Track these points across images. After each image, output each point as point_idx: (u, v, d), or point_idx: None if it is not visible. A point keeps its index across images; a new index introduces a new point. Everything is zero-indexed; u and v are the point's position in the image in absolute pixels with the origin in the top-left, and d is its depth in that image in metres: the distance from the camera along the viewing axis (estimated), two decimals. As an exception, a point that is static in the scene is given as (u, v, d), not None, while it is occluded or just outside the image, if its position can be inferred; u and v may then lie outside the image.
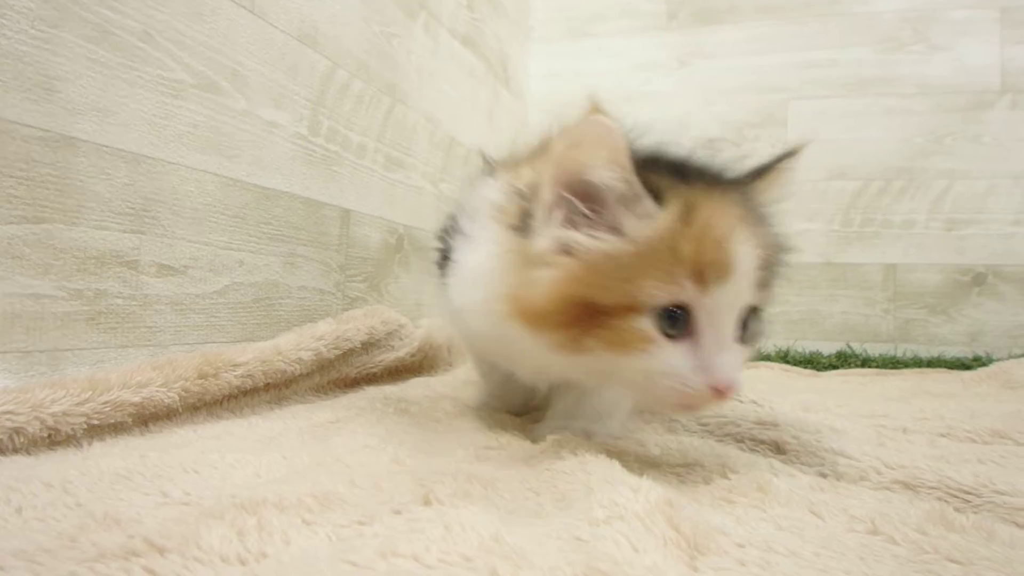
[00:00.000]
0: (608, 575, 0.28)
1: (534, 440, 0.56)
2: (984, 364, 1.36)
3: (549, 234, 0.45)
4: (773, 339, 1.66)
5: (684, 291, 0.43)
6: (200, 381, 0.64)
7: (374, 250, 1.07)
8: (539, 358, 0.48)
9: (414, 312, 1.14)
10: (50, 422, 0.52)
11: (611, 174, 0.44)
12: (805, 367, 1.48)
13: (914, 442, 0.67)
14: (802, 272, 1.67)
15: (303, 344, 0.80)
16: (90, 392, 0.55)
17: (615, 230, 0.44)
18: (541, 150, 0.54)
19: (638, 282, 0.43)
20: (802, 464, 0.54)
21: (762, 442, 0.60)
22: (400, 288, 1.13)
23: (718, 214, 0.44)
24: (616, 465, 0.45)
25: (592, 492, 0.39)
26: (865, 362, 1.52)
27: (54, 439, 0.53)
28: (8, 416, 0.50)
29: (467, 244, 0.53)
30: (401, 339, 0.97)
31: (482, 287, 0.50)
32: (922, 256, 1.59)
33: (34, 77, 0.56)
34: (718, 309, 0.43)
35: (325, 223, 0.95)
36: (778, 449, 0.58)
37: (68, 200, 0.59)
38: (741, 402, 0.76)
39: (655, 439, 0.59)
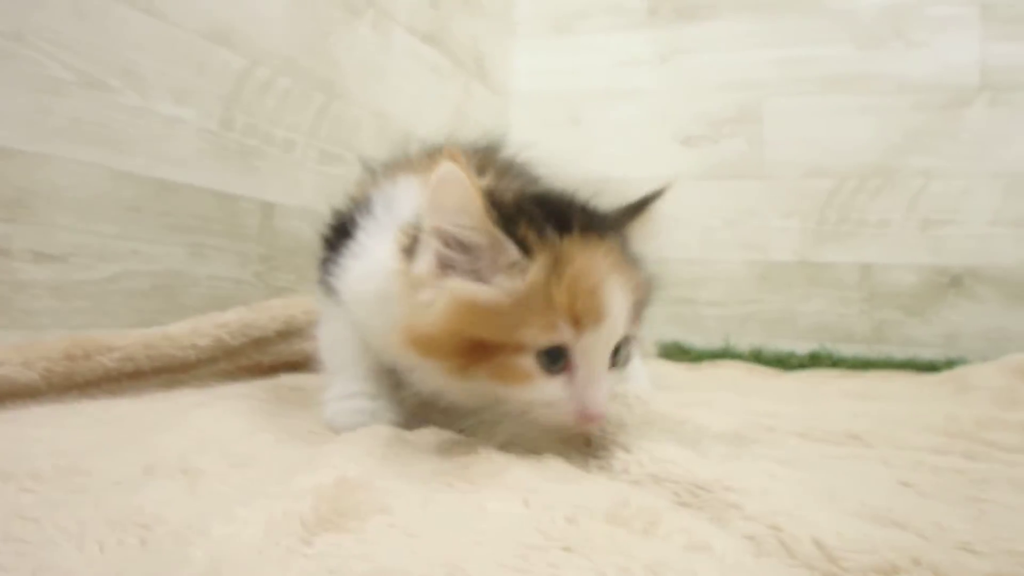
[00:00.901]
0: (190, 541, 0.30)
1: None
2: (954, 367, 1.31)
3: (424, 264, 0.49)
4: (748, 337, 1.63)
5: (562, 335, 0.47)
6: (66, 362, 0.67)
7: (306, 242, 1.10)
8: (432, 380, 0.52)
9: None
10: None
11: (464, 225, 0.47)
12: (776, 367, 1.45)
13: (758, 441, 0.66)
14: (777, 270, 1.63)
15: (200, 330, 0.82)
16: None
17: (488, 273, 0.48)
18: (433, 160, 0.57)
19: (519, 327, 0.47)
20: (591, 456, 0.54)
21: (577, 434, 0.61)
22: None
23: (588, 265, 0.48)
24: (367, 449, 0.47)
25: (298, 472, 0.41)
26: (836, 363, 1.48)
27: None
28: None
29: (364, 254, 0.56)
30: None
31: (379, 310, 0.53)
32: (898, 256, 1.54)
33: None
34: (592, 348, 0.48)
35: (241, 215, 0.99)
36: (586, 442, 0.59)
37: (-68, 191, 0.64)
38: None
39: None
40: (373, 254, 0.55)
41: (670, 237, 1.69)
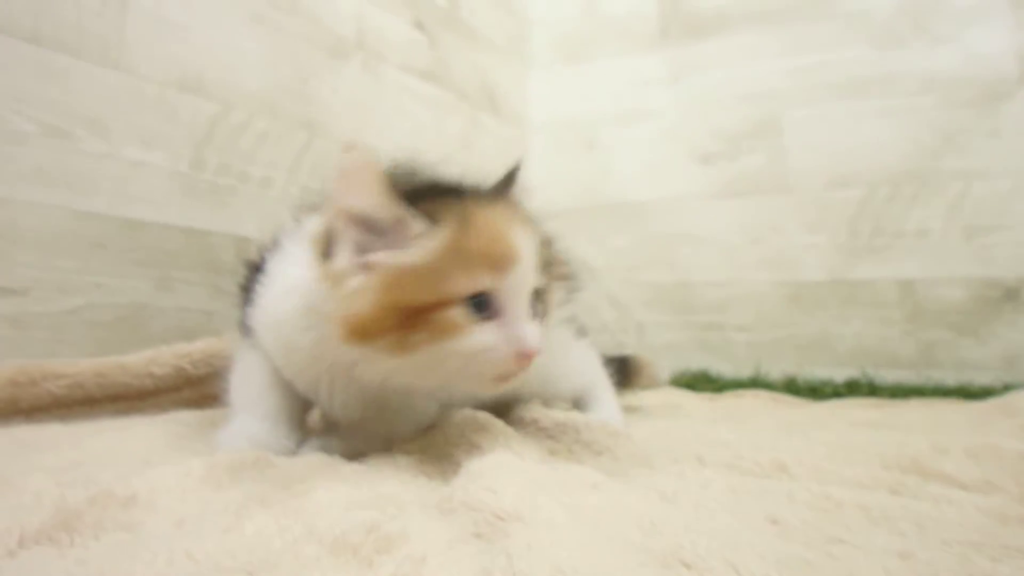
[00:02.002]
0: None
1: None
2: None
3: (345, 255, 0.53)
4: (781, 364, 1.52)
5: (484, 281, 0.52)
6: (10, 388, 0.72)
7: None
8: (378, 368, 0.55)
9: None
10: None
11: (372, 203, 0.51)
12: (809, 396, 1.34)
13: (662, 471, 0.62)
14: (809, 291, 1.52)
15: (158, 360, 0.86)
16: None
17: (403, 246, 0.52)
18: None
19: (444, 281, 0.51)
20: (436, 487, 0.52)
21: (455, 463, 0.58)
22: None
23: (493, 216, 0.54)
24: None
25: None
26: (875, 391, 1.34)
27: None
28: None
29: (276, 280, 0.61)
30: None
31: (303, 324, 0.57)
32: (942, 269, 1.39)
33: None
34: (513, 290, 0.53)
35: (214, 249, 1.04)
36: (456, 471, 0.56)
37: None
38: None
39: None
40: (287, 275, 0.59)
41: (691, 258, 1.62)
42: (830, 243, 1.49)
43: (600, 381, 0.93)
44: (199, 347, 0.90)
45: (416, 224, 0.52)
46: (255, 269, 0.64)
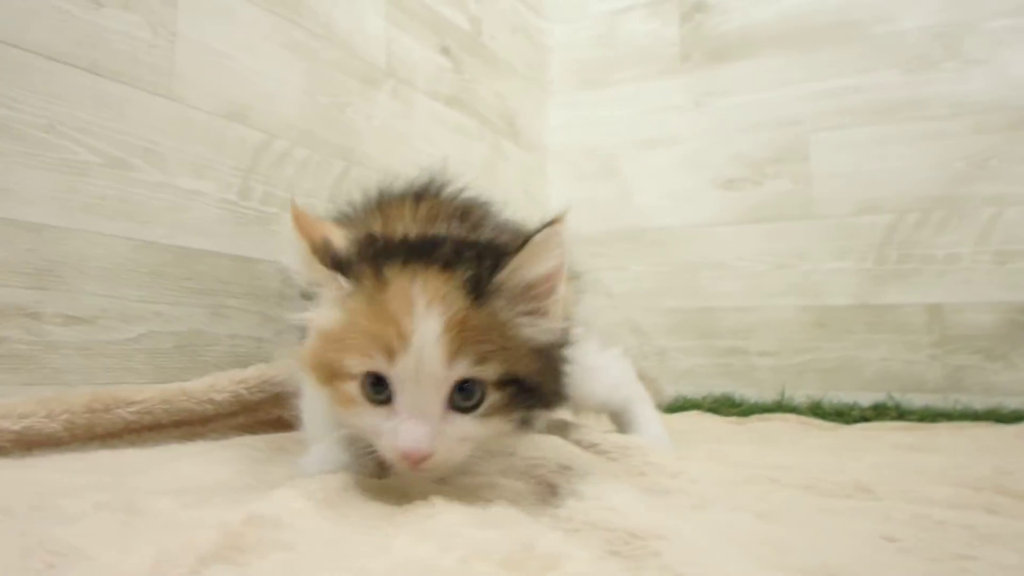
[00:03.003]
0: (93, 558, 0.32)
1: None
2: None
3: (316, 307, 0.54)
4: (805, 389, 1.53)
5: (376, 362, 0.48)
6: (87, 415, 0.72)
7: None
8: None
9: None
10: None
11: (302, 265, 0.52)
12: (835, 420, 1.35)
13: (746, 493, 0.64)
14: (834, 316, 1.53)
15: (217, 386, 0.87)
16: None
17: (325, 307, 0.52)
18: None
19: (345, 353, 0.49)
20: (545, 503, 0.54)
21: (547, 484, 0.59)
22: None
23: (402, 292, 0.49)
24: (299, 493, 0.48)
25: (209, 510, 0.44)
26: (903, 415, 1.35)
27: None
28: None
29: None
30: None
31: None
32: (971, 294, 1.41)
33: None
34: (406, 379, 0.48)
35: (263, 278, 1.05)
36: (552, 491, 0.58)
37: (-33, 263, 0.73)
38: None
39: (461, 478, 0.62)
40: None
41: (714, 284, 1.64)
42: (856, 268, 1.51)
43: (639, 396, 0.93)
44: (253, 373, 0.91)
45: (340, 284, 0.51)
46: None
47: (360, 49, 1.26)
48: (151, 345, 0.90)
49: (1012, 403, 1.33)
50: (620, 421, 0.92)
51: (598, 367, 0.86)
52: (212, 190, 0.98)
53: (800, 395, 1.51)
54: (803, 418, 1.36)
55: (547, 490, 0.59)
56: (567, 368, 0.55)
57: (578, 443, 0.76)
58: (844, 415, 1.38)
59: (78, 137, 0.83)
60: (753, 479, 0.70)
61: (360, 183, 1.20)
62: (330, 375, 0.51)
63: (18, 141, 0.77)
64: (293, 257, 0.53)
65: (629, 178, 1.77)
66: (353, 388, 0.50)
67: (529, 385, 0.51)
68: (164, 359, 0.92)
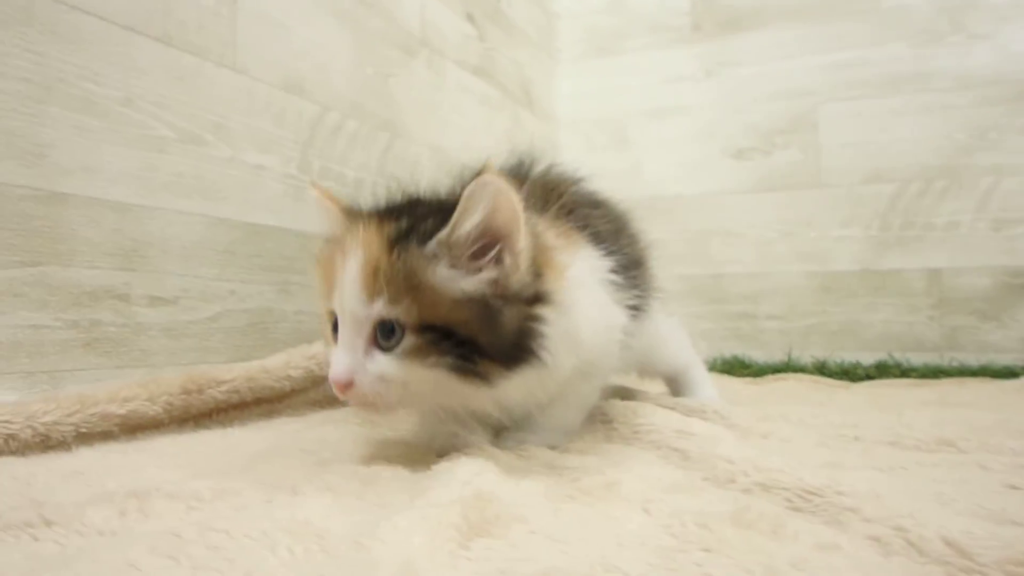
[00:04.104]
0: (368, 547, 0.33)
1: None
2: (1036, 372, 1.27)
3: None
4: (810, 350, 1.61)
5: (327, 302, 0.55)
6: (184, 396, 0.73)
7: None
8: None
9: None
10: (41, 430, 0.61)
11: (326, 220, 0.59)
12: (842, 379, 1.43)
13: (848, 450, 0.68)
14: (839, 281, 1.61)
15: (292, 363, 0.87)
16: (79, 405, 0.65)
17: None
18: None
19: (320, 295, 0.57)
20: (694, 469, 0.57)
21: (675, 449, 0.63)
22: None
23: (344, 241, 0.54)
24: (484, 468, 0.50)
25: (431, 488, 0.45)
26: (905, 372, 1.45)
27: (46, 444, 0.62)
28: (4, 424, 0.60)
29: None
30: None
31: None
32: (969, 259, 1.50)
33: (25, 146, 0.68)
34: (339, 314, 0.53)
35: (320, 252, 1.04)
36: (684, 456, 0.61)
37: (61, 246, 0.71)
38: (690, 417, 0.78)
39: (580, 446, 0.64)
40: None
41: (724, 252, 1.69)
42: (862, 235, 1.59)
43: (696, 359, 0.97)
44: (320, 349, 0.92)
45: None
46: None
47: (398, 16, 1.24)
48: (227, 324, 0.89)
49: (1002, 359, 1.44)
50: (677, 383, 0.96)
51: (666, 334, 0.90)
52: (276, 165, 0.96)
53: (806, 356, 1.59)
54: (814, 377, 1.43)
55: (680, 456, 0.61)
56: (533, 325, 0.53)
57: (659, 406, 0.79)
58: (850, 373, 1.47)
59: (155, 112, 0.80)
60: (835, 437, 0.74)
61: (402, 157, 1.20)
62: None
63: (103, 117, 0.75)
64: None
65: (640, 148, 1.80)
66: (328, 327, 0.56)
67: (458, 335, 0.52)
68: (239, 337, 0.91)
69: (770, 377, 1.45)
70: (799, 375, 1.45)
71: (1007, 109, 1.47)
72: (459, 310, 0.52)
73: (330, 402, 0.93)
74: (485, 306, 0.52)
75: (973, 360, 1.46)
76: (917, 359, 1.49)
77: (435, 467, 0.52)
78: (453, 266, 0.52)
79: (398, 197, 0.59)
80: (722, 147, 1.72)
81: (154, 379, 0.72)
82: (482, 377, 0.53)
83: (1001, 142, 1.48)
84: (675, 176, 1.76)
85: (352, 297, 0.52)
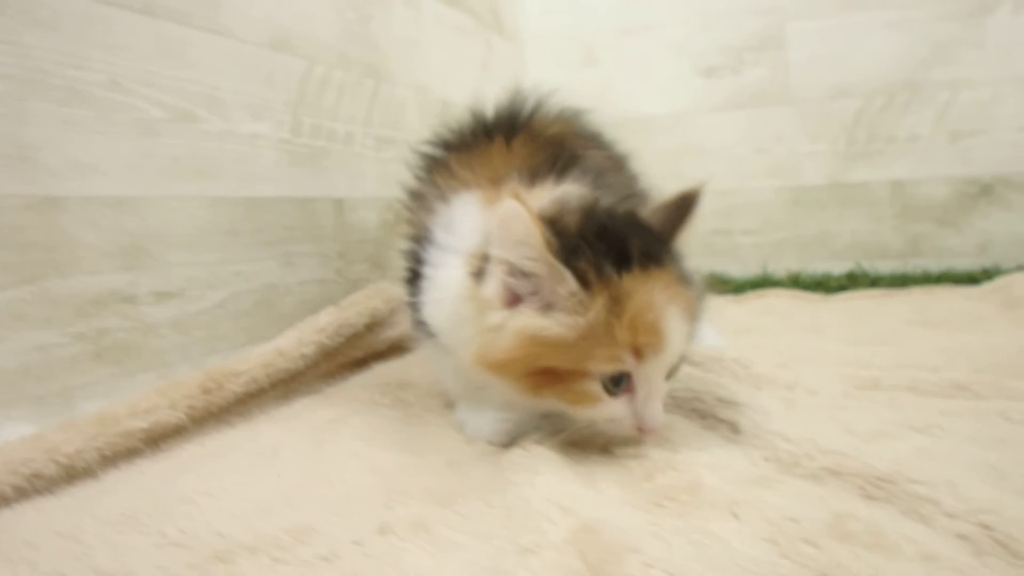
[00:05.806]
0: None
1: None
2: (991, 277, 1.37)
3: (493, 287, 0.52)
4: (784, 262, 1.68)
5: (625, 364, 0.52)
6: (204, 396, 0.70)
7: (373, 231, 1.13)
8: (506, 393, 0.56)
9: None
10: (65, 462, 0.57)
11: (527, 257, 0.50)
12: (815, 290, 1.51)
13: (876, 401, 0.69)
14: (810, 195, 1.66)
15: (305, 339, 0.85)
16: (99, 428, 0.61)
17: (550, 300, 0.51)
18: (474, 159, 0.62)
19: (585, 358, 0.51)
20: (749, 446, 0.57)
21: (722, 421, 0.63)
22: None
23: (647, 300, 0.51)
24: (561, 476, 0.51)
25: (527, 515, 0.45)
26: (874, 282, 1.53)
27: (71, 475, 0.58)
28: (26, 463, 0.55)
29: (433, 285, 0.59)
30: (402, 314, 1.01)
31: (455, 333, 0.57)
32: (928, 170, 1.57)
33: (8, 150, 0.61)
34: (652, 372, 0.53)
35: (318, 216, 1.00)
36: (733, 429, 0.61)
37: (58, 255, 0.66)
38: (710, 372, 0.79)
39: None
40: (442, 284, 0.58)
41: (697, 169, 1.71)
42: (830, 150, 1.63)
43: None
44: (327, 320, 0.90)
45: (569, 284, 0.50)
46: (413, 264, 0.64)
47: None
48: (235, 307, 0.86)
49: (960, 264, 1.54)
50: None
51: None
52: (269, 131, 0.91)
53: (780, 268, 1.66)
54: (791, 292, 1.51)
55: (729, 428, 0.62)
56: None
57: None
58: (823, 285, 1.55)
59: (144, 91, 0.73)
60: (855, 384, 0.74)
61: (388, 103, 1.14)
62: (540, 371, 0.52)
63: (89, 106, 0.68)
64: (513, 246, 0.50)
65: (609, 66, 1.76)
66: (592, 387, 0.52)
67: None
68: (247, 319, 0.89)
69: (750, 294, 1.52)
70: (777, 290, 1.52)
71: (962, 25, 1.50)
72: None
73: (338, 371, 0.92)
74: None
75: (934, 265, 1.56)
76: (883, 266, 1.58)
77: (509, 473, 0.53)
78: None
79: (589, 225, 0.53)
80: (692, 65, 1.70)
81: (172, 384, 0.69)
82: None
83: (957, 56, 1.51)
84: (646, 94, 1.73)
85: (675, 353, 0.53)
